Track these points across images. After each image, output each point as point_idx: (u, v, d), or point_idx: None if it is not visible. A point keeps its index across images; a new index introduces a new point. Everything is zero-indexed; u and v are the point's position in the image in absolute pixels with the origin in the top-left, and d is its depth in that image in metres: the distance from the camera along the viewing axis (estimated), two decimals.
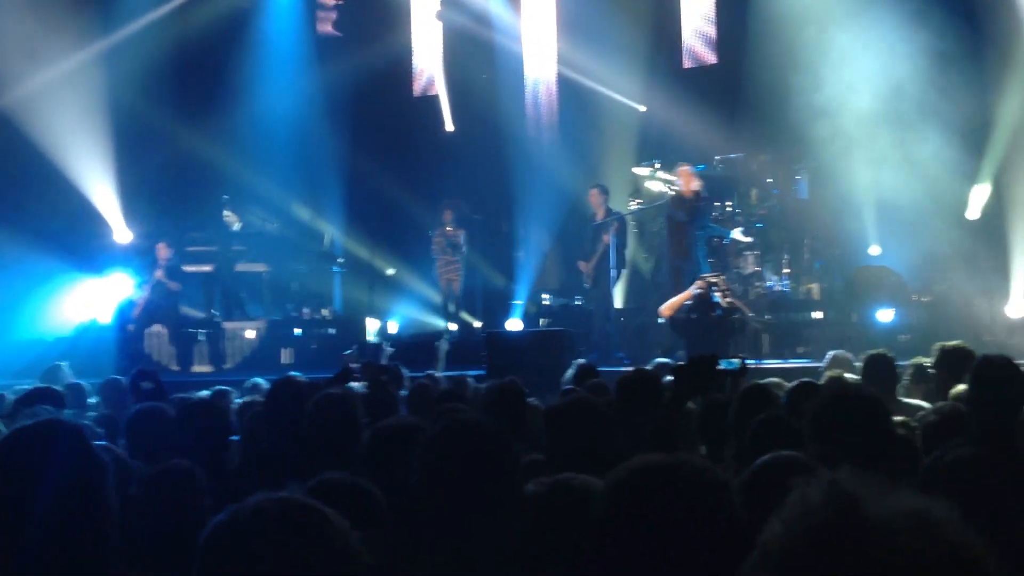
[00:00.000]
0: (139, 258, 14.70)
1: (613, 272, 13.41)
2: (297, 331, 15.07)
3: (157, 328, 14.47)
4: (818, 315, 13.52)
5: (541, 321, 14.91)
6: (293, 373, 7.12)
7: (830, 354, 8.90)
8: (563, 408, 4.13)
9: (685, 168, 13.14)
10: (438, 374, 9.60)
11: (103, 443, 4.37)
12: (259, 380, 8.98)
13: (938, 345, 6.55)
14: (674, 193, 13.61)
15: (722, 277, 12.22)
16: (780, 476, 2.67)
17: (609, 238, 13.35)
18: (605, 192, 13.89)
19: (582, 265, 13.80)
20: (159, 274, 14.09)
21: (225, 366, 14.44)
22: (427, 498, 2.73)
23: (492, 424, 2.76)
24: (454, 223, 15.17)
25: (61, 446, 2.42)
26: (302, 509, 1.85)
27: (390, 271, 16.83)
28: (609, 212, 13.73)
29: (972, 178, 14.17)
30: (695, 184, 13.01)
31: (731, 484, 2.12)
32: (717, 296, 11.72)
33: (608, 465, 2.29)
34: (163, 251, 14.21)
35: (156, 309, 14.21)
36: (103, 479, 2.43)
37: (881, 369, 6.62)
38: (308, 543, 1.82)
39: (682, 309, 12.07)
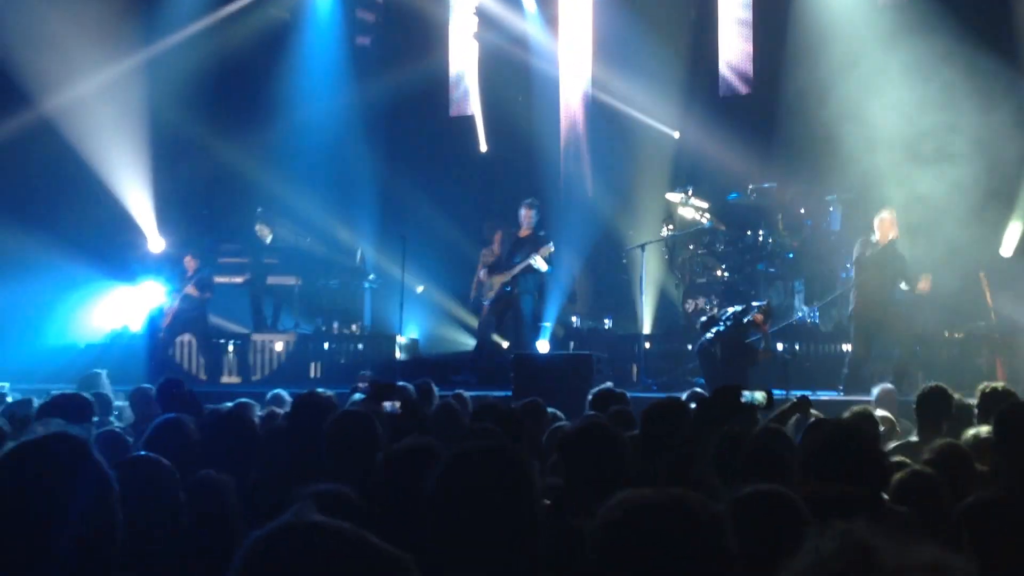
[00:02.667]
0: (171, 267, 14.80)
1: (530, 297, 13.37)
2: (326, 345, 15.13)
3: (187, 338, 14.57)
4: (847, 347, 13.42)
5: (571, 344, 14.89)
6: (320, 389, 7.18)
7: (876, 389, 8.91)
8: (575, 434, 4.12)
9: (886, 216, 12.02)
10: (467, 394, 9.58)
11: (145, 453, 4.36)
12: (281, 392, 9.03)
13: (923, 386, 6.62)
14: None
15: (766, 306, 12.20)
16: (760, 510, 2.68)
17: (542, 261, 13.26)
18: (533, 207, 13.69)
19: (493, 277, 13.59)
20: (190, 289, 14.18)
21: (254, 377, 14.51)
22: (437, 522, 2.71)
23: (509, 449, 2.74)
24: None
25: (65, 460, 2.40)
26: (341, 534, 1.86)
27: (420, 288, 16.87)
28: (538, 230, 13.62)
29: (1007, 214, 14.11)
30: (892, 234, 12.01)
31: (725, 520, 2.11)
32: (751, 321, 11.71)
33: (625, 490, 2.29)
34: (190, 263, 14.33)
35: (186, 319, 14.32)
36: (107, 494, 2.41)
37: (933, 404, 6.56)
38: (342, 568, 1.83)
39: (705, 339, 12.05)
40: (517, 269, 13.33)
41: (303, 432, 5.10)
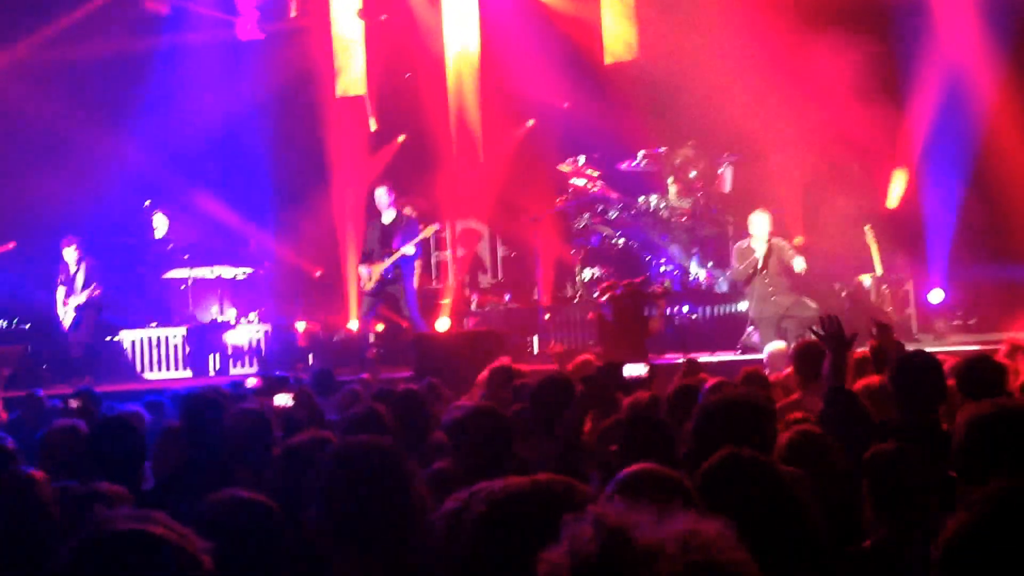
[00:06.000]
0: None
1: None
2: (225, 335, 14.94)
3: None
4: (743, 306, 13.66)
5: (467, 321, 14.91)
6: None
7: (767, 350, 9.10)
8: (463, 419, 4.16)
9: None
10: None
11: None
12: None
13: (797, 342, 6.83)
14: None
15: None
16: (640, 491, 2.72)
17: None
18: (394, 190, 13.57)
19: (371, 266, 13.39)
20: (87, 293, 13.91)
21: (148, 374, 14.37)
22: (325, 520, 2.75)
23: (384, 445, 2.78)
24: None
25: None
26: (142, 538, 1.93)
27: (318, 273, 16.77)
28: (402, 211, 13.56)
29: (892, 165, 14.53)
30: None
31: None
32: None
33: (511, 473, 2.32)
34: (72, 253, 14.01)
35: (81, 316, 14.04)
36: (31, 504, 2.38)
37: (809, 358, 6.73)
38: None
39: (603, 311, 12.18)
40: (396, 256, 13.14)
41: (194, 433, 5.06)
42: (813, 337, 6.30)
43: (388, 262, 13.09)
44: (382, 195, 13.40)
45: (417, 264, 13.76)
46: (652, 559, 1.26)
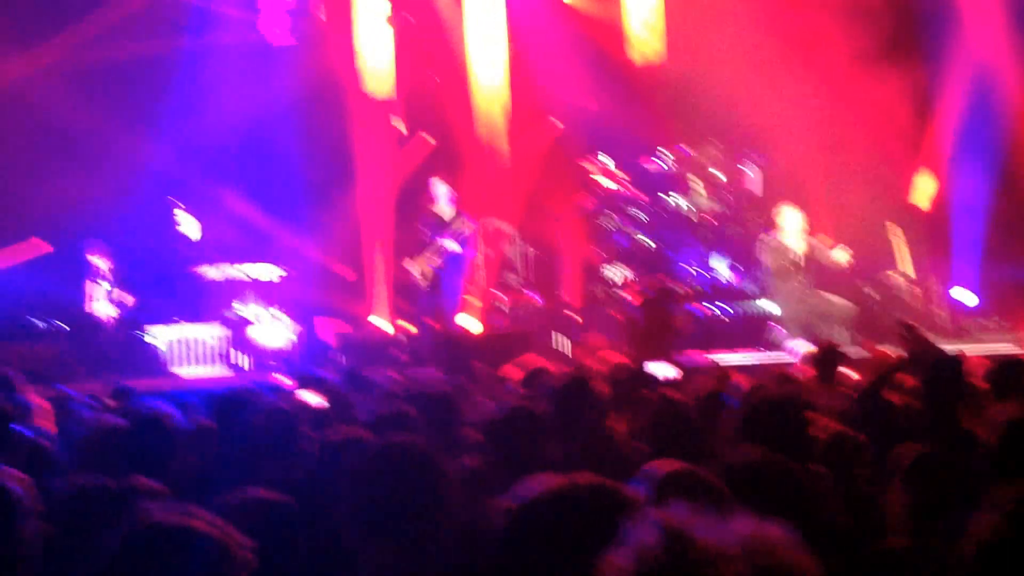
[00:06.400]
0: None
1: None
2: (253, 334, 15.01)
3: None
4: (772, 307, 13.64)
5: (497, 321, 14.94)
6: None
7: (800, 351, 9.11)
8: (499, 417, 4.19)
9: None
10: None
11: None
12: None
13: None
14: None
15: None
16: (676, 492, 2.73)
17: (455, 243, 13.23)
18: (444, 184, 13.63)
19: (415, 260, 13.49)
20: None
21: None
22: (357, 515, 2.78)
23: (420, 445, 2.82)
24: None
25: None
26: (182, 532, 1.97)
27: (347, 273, 16.84)
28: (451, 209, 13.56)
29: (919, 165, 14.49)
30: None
31: (633, 503, 2.17)
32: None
33: (545, 472, 2.34)
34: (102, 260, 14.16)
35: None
36: (11, 514, 2.41)
37: (828, 359, 6.84)
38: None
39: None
40: (438, 250, 13.22)
41: (223, 433, 5.11)
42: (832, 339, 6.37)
43: (436, 257, 13.19)
44: (440, 188, 13.52)
45: (460, 258, 13.77)
46: (717, 562, 1.28)
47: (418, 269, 13.33)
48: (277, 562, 3.02)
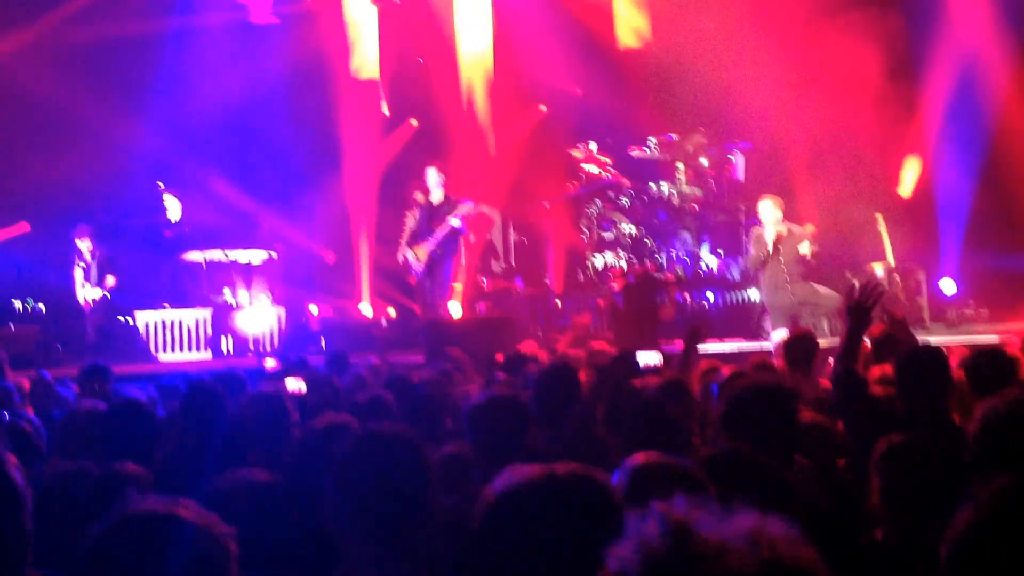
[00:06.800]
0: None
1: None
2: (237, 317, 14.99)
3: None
4: (755, 294, 13.69)
5: (479, 306, 14.94)
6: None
7: (776, 338, 9.12)
8: (482, 404, 4.19)
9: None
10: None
11: None
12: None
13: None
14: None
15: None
16: (655, 482, 2.74)
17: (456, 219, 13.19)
18: (440, 172, 13.57)
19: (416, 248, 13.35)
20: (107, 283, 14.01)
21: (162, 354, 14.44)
22: (341, 503, 2.79)
23: (403, 432, 2.83)
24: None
25: None
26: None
27: (329, 258, 16.81)
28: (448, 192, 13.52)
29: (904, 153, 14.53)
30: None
31: (616, 491, 2.18)
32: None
33: (528, 460, 2.35)
34: (86, 242, 14.12)
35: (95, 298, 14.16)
36: (17, 506, 2.41)
37: (799, 348, 6.82)
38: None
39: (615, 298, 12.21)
40: (441, 234, 13.21)
41: (207, 418, 5.10)
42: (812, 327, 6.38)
43: (435, 239, 13.16)
44: (432, 175, 13.47)
45: (461, 240, 13.76)
46: (720, 554, 1.29)
47: (414, 256, 13.29)
48: (262, 548, 3.02)
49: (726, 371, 6.06)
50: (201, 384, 5.58)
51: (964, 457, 3.47)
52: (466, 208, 13.25)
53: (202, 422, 5.19)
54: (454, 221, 13.12)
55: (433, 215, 13.33)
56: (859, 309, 4.75)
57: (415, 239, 13.34)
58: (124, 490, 3.76)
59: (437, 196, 13.41)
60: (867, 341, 6.76)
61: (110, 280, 14.18)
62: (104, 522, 2.10)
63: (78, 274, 14.18)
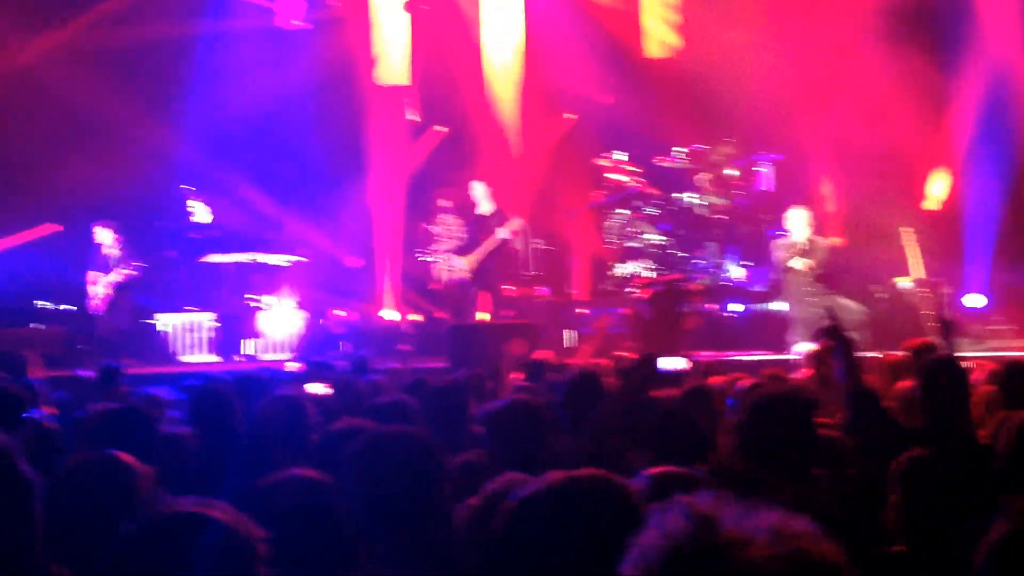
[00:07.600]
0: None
1: None
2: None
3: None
4: (781, 307, 13.61)
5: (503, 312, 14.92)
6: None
7: (803, 351, 9.06)
8: (500, 410, 4.19)
9: None
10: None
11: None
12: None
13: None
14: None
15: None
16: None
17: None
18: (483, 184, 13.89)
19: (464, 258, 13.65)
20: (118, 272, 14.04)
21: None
22: (356, 503, 2.79)
23: (414, 434, 2.83)
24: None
25: None
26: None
27: (356, 263, 16.84)
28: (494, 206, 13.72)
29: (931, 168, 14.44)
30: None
31: (637, 498, 2.18)
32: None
33: (547, 466, 2.35)
34: (109, 237, 14.17)
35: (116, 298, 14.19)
36: (27, 499, 2.43)
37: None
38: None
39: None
40: (492, 246, 13.37)
41: (229, 422, 5.11)
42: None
43: (485, 250, 13.36)
44: (479, 188, 13.70)
45: (507, 252, 13.91)
46: (743, 548, 1.29)
47: (462, 264, 13.50)
48: (290, 549, 3.02)
49: (746, 382, 6.02)
50: (206, 388, 5.58)
51: (987, 472, 3.43)
52: (517, 223, 13.39)
53: (227, 425, 5.20)
54: (504, 233, 13.25)
55: (482, 226, 13.46)
56: (830, 333, 4.75)
57: (463, 250, 13.46)
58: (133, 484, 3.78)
59: (486, 207, 13.53)
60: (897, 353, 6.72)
61: (137, 285, 14.18)
62: (135, 520, 2.11)
63: (104, 274, 14.19)
